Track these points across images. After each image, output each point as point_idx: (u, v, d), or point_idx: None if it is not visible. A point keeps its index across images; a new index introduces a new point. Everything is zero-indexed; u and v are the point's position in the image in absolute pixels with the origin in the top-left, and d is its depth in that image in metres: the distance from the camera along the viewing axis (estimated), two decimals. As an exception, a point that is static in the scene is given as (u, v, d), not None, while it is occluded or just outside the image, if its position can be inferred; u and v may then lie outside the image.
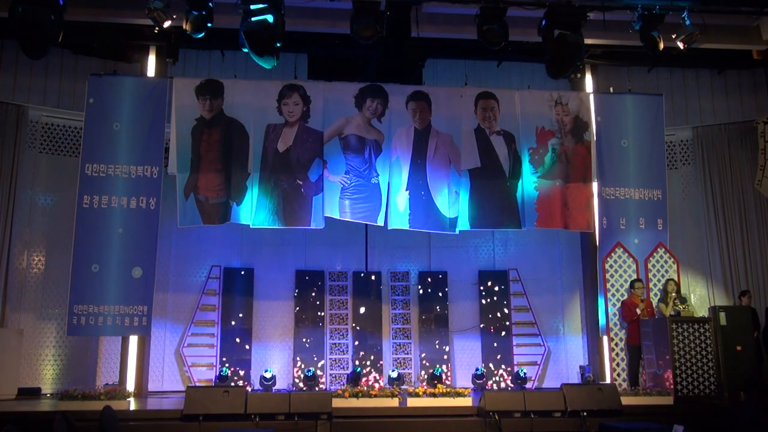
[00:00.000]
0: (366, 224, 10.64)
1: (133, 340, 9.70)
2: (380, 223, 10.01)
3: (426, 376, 10.45)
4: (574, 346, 11.48)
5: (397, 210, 10.01)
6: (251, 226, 9.82)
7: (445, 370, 10.92)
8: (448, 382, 10.73)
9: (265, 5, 8.20)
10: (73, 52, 10.71)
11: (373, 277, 11.55)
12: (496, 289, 11.62)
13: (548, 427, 7.74)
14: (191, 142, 9.75)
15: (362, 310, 11.31)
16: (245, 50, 8.45)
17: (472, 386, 10.16)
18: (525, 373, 10.47)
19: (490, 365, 11.15)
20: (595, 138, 10.56)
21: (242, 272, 11.28)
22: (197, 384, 10.49)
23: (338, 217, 9.92)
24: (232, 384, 10.16)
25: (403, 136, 10.20)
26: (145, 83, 10.05)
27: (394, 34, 9.32)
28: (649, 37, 9.02)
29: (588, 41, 9.30)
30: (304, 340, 11.14)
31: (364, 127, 10.14)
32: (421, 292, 11.58)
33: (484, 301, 11.56)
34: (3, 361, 9.39)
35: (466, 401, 8.14)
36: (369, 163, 10.06)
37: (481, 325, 11.46)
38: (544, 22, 8.87)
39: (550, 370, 11.44)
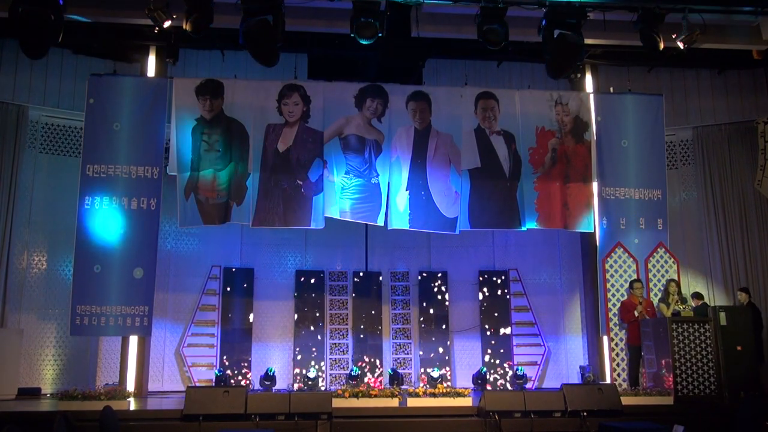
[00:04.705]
0: (366, 224, 10.63)
1: (133, 340, 9.70)
2: (380, 223, 10.00)
3: (426, 376, 10.45)
4: (574, 346, 11.49)
5: (397, 210, 10.00)
6: (251, 226, 9.82)
7: (444, 372, 10.90)
8: (447, 383, 10.72)
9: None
10: (73, 52, 10.72)
11: (373, 277, 11.55)
12: (496, 289, 11.63)
13: (548, 427, 7.73)
14: (191, 142, 9.75)
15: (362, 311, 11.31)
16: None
17: (472, 386, 10.16)
18: (524, 372, 10.45)
19: (491, 365, 11.15)
20: (595, 138, 10.56)
21: (242, 272, 11.28)
22: (197, 384, 10.50)
23: (338, 217, 9.92)
24: (233, 383, 10.17)
25: (403, 136, 10.19)
26: (145, 83, 10.05)
27: (394, 34, 9.30)
28: (649, 37, 9.00)
29: (588, 41, 9.30)
30: (304, 340, 11.15)
31: (364, 127, 10.13)
32: (421, 292, 11.58)
33: (484, 301, 11.57)
34: (3, 361, 9.40)
35: (466, 401, 8.13)
36: (369, 163, 10.05)
37: (482, 326, 11.47)
38: (544, 22, 8.86)
39: (550, 370, 11.44)
